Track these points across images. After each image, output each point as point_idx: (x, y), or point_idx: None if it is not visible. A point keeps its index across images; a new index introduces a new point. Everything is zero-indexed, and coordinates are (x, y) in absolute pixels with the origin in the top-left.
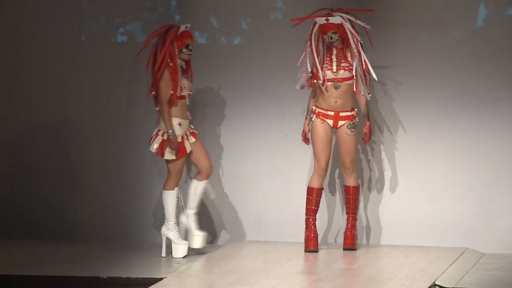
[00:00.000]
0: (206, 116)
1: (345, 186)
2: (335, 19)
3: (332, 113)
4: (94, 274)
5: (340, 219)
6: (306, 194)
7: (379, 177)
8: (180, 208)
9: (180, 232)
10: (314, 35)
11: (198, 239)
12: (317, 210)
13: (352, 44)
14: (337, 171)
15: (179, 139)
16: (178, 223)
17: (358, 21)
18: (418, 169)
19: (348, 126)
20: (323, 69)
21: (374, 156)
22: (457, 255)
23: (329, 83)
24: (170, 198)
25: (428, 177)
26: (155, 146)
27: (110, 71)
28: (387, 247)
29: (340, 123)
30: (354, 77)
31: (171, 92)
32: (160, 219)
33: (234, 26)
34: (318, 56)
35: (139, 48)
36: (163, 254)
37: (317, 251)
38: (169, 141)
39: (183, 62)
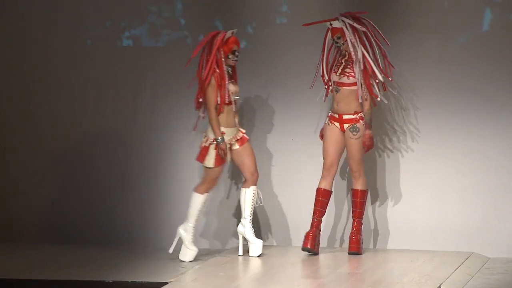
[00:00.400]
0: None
1: (352, 189)
2: (337, 24)
3: (337, 116)
4: (99, 278)
5: (346, 223)
6: None
7: (385, 181)
8: (200, 213)
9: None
10: (329, 39)
11: (256, 247)
12: (323, 211)
13: (351, 50)
14: (347, 176)
15: (223, 145)
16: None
17: (355, 25)
18: (424, 173)
19: (350, 130)
20: (331, 72)
21: (380, 161)
22: (462, 260)
23: (333, 86)
24: (198, 201)
25: (434, 181)
26: (211, 160)
27: (115, 75)
28: (393, 251)
29: (345, 126)
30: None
31: (219, 99)
32: (166, 222)
33: (240, 30)
34: (327, 59)
35: (145, 52)
36: (171, 250)
37: (314, 251)
38: (219, 148)
39: (229, 68)
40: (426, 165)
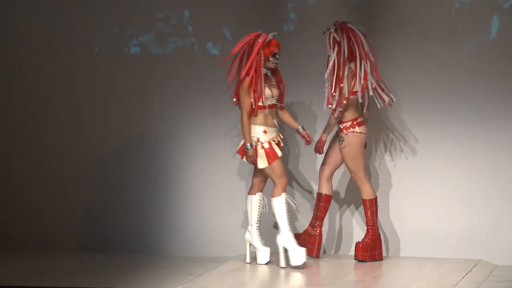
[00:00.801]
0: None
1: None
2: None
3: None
4: (106, 286)
5: (352, 230)
6: None
7: (393, 188)
8: (287, 216)
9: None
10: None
11: (263, 254)
12: (320, 215)
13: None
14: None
15: (267, 145)
16: (290, 230)
17: (334, 34)
18: (432, 180)
19: (337, 139)
20: None
21: (388, 168)
22: (470, 267)
23: None
24: (279, 205)
25: (442, 188)
26: (263, 161)
27: (123, 82)
28: (400, 259)
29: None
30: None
31: (252, 101)
32: (173, 230)
33: None
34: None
35: (152, 59)
36: (282, 264)
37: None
38: (246, 154)
39: (268, 71)
40: (434, 172)
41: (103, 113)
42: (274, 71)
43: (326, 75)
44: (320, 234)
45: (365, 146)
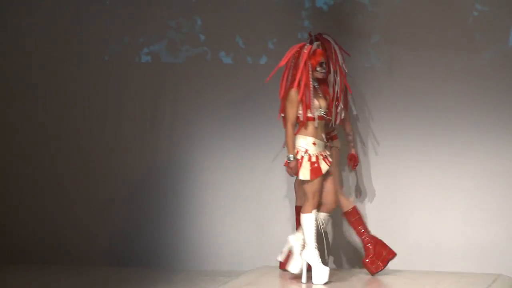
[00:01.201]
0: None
1: None
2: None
3: None
4: None
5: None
6: None
7: (409, 201)
8: (316, 234)
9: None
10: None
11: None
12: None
13: None
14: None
15: (314, 159)
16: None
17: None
18: (450, 192)
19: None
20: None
21: (405, 181)
22: (490, 282)
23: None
24: (309, 221)
25: (460, 201)
26: (306, 173)
27: (133, 92)
28: (418, 273)
29: None
30: None
31: (300, 113)
32: (185, 244)
33: (260, 46)
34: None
35: (164, 69)
36: (304, 280)
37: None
38: (288, 165)
39: (315, 82)
40: (452, 184)
41: (113, 123)
42: (320, 82)
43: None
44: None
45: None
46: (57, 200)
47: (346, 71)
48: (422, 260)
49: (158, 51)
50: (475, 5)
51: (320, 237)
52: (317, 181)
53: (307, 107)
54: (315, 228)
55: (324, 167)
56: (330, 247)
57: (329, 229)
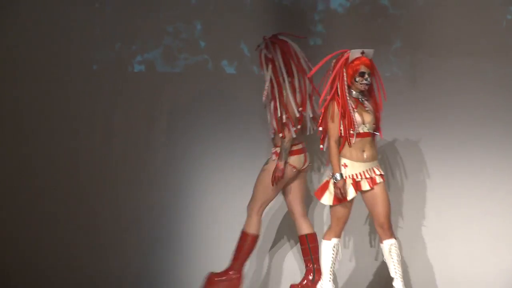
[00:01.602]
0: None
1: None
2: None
3: None
4: None
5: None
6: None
7: (435, 227)
8: (333, 263)
9: None
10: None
11: None
12: (315, 257)
13: None
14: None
15: (340, 183)
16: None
17: (264, 51)
18: (481, 220)
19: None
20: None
21: (432, 206)
22: None
23: None
24: (326, 249)
25: (491, 228)
26: (329, 197)
27: (125, 105)
28: None
29: None
30: None
31: (341, 129)
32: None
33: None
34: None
35: (159, 79)
36: None
37: None
38: (335, 186)
39: (360, 94)
40: (483, 211)
41: (103, 139)
42: (370, 95)
43: (263, 98)
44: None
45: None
46: (44, 222)
47: (309, 74)
48: None
49: (153, 59)
50: (509, 7)
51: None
52: (340, 208)
53: (344, 123)
54: (333, 258)
55: (352, 193)
56: None
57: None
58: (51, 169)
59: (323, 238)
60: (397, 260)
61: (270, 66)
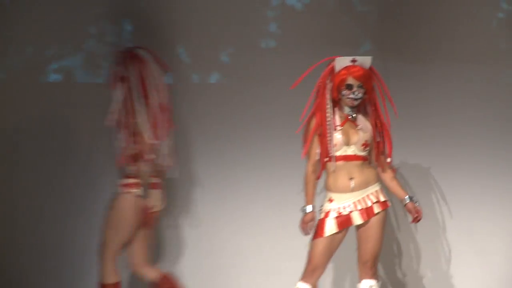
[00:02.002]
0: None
1: None
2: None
3: None
4: None
5: None
6: None
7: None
8: None
9: None
10: None
11: None
12: None
13: None
14: None
15: (323, 215)
16: None
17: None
18: (493, 239)
19: None
20: None
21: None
22: None
23: None
24: None
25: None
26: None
27: (37, 120)
28: None
29: None
30: None
31: (318, 151)
32: None
33: (211, 59)
34: None
35: (77, 90)
36: None
37: None
38: (301, 220)
39: (351, 110)
40: (493, 228)
41: (11, 160)
42: (365, 112)
43: (109, 122)
44: None
45: None
46: None
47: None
48: None
49: (72, 66)
50: (500, 4)
51: None
52: (317, 245)
53: (322, 145)
54: None
55: (331, 229)
56: None
57: None
58: None
59: (299, 280)
60: None
61: (122, 85)
